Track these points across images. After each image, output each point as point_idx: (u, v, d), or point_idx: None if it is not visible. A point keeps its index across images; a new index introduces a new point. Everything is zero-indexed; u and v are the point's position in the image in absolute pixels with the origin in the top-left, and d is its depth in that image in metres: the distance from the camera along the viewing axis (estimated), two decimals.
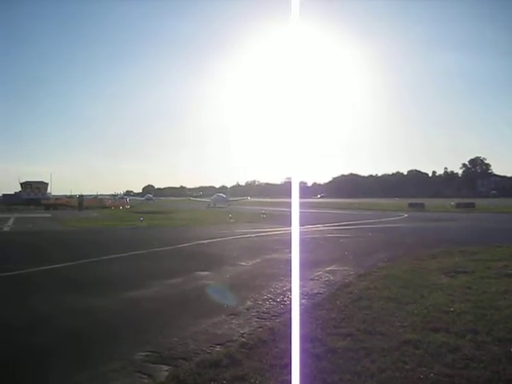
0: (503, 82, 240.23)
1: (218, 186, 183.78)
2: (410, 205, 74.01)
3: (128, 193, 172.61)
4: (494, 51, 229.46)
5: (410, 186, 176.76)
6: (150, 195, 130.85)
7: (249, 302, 10.75)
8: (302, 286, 11.70)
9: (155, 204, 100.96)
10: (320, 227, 30.96)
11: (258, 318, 9.57)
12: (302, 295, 10.92)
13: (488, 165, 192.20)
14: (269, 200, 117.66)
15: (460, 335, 7.77)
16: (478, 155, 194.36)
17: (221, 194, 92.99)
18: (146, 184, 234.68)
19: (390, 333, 8.06)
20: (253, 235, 27.20)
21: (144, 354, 7.54)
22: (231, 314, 9.77)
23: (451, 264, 15.23)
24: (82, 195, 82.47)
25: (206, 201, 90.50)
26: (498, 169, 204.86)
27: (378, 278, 13.08)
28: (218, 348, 7.78)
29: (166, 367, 7.02)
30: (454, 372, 6.38)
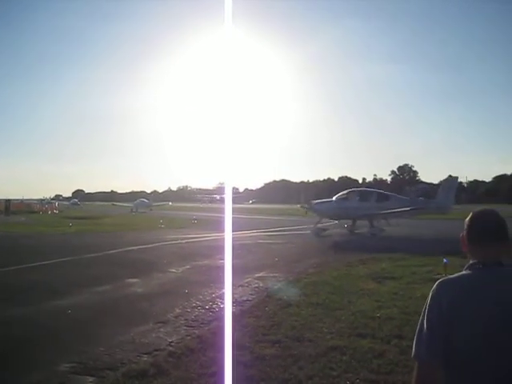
0: (430, 91, 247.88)
1: (149, 191, 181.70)
2: None
3: (57, 197, 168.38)
4: (424, 63, 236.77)
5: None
6: (76, 200, 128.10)
7: (177, 310, 10.62)
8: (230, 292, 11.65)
9: (81, 209, 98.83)
10: (251, 233, 30.96)
11: (186, 325, 9.47)
12: (231, 302, 10.87)
13: (416, 172, 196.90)
14: (200, 205, 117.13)
15: (385, 341, 7.91)
16: (406, 162, 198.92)
17: (143, 200, 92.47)
18: (76, 189, 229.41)
19: (318, 339, 8.13)
20: (183, 241, 26.95)
21: (69, 365, 7.29)
22: (159, 322, 9.62)
23: (379, 270, 15.54)
24: (8, 199, 79.85)
25: (129, 206, 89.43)
26: (425, 176, 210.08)
27: (308, 284, 13.18)
28: (145, 357, 7.63)
29: (91, 378, 6.83)
30: (379, 377, 6.48)
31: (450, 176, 44.82)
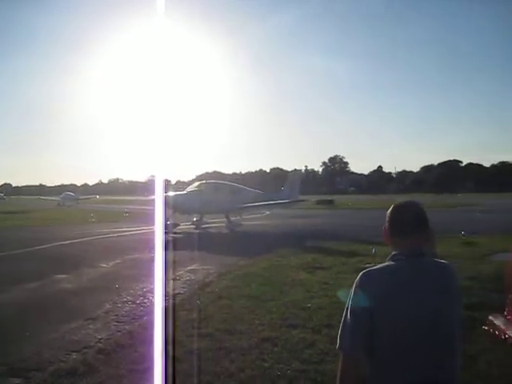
0: (363, 84, 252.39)
1: (79, 184, 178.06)
2: (323, 201, 75.13)
3: None
4: (358, 57, 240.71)
5: (273, 183, 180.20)
6: (1, 194, 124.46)
7: (108, 305, 10.46)
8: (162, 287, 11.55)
9: (5, 203, 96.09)
10: (182, 226, 30.68)
11: (116, 321, 9.33)
12: (163, 296, 10.78)
13: (346, 163, 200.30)
14: (132, 198, 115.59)
15: (316, 330, 8.03)
16: (337, 154, 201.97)
17: (70, 193, 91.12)
18: (3, 182, 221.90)
19: (250, 331, 8.18)
20: (115, 235, 26.56)
21: None
22: (89, 319, 9.44)
23: (310, 260, 15.75)
24: None
25: (55, 199, 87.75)
26: (355, 167, 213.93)
27: (239, 276, 13.24)
28: (74, 355, 7.46)
29: (17, 380, 6.60)
30: (310, 367, 6.57)
31: (295, 169, 46.02)
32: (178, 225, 29.76)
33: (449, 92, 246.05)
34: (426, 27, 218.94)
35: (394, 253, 2.77)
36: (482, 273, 12.52)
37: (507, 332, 7.96)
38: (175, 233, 27.19)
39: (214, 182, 35.51)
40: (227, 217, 31.90)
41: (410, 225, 2.77)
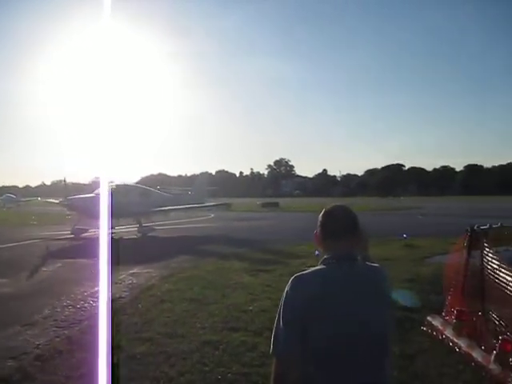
0: (309, 86, 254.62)
1: (21, 185, 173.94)
2: (217, 205, 75.06)
3: None
4: (304, 60, 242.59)
5: (218, 185, 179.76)
6: None
7: (47, 310, 10.20)
8: (103, 291, 11.36)
9: None
10: (125, 229, 30.28)
11: (55, 326, 9.11)
12: (104, 300, 10.59)
13: (292, 166, 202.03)
14: None
15: (258, 333, 8.04)
16: (283, 157, 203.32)
17: (10, 195, 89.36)
18: None
19: (191, 335, 8.13)
20: (56, 238, 26.04)
21: None
22: (27, 324, 9.19)
23: (253, 263, 15.76)
24: None
25: None
26: (300, 170, 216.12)
27: (182, 279, 13.15)
28: (10, 362, 7.24)
29: None
30: (251, 370, 6.56)
31: (202, 172, 46.38)
32: (87, 230, 28.12)
33: (393, 97, 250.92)
34: (373, 28, 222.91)
35: (325, 256, 2.78)
36: (422, 275, 12.79)
37: (445, 332, 8.14)
38: (79, 238, 26.36)
39: (124, 185, 33.21)
40: (138, 221, 30.54)
41: (340, 228, 2.79)
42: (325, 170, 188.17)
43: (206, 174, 43.78)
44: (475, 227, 9.56)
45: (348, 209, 2.90)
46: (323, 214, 2.86)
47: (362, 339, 2.60)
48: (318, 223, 2.86)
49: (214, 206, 40.45)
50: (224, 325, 8.61)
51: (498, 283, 8.29)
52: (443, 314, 9.01)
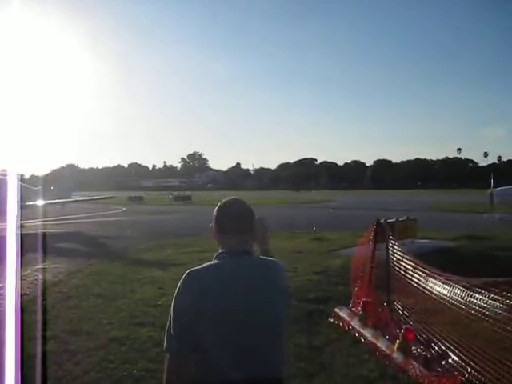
0: (225, 80, 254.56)
1: None
2: (130, 198, 74.39)
3: None
4: (223, 50, 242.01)
5: (132, 178, 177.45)
6: None
7: None
8: (3, 288, 10.91)
9: None
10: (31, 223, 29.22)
11: None
12: (2, 298, 10.17)
13: (205, 159, 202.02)
14: None
15: (165, 328, 7.90)
16: (197, 150, 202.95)
17: None
18: None
19: (97, 331, 7.92)
20: None
21: None
22: None
23: (164, 256, 15.61)
24: None
25: None
26: (214, 163, 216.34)
27: (90, 274, 12.82)
28: None
29: None
30: (157, 366, 6.43)
31: (68, 165, 46.34)
32: None
33: (306, 93, 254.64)
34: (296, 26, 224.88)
35: (220, 251, 2.75)
36: (331, 267, 13.00)
37: (351, 323, 8.31)
38: None
39: None
40: None
41: (234, 223, 2.75)
42: (238, 164, 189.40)
43: (73, 168, 42.72)
44: (381, 220, 9.81)
45: (242, 203, 2.86)
46: (217, 208, 2.82)
47: (255, 334, 2.58)
48: (213, 217, 2.82)
49: (99, 199, 39.88)
50: (131, 320, 8.44)
51: (403, 274, 8.55)
52: (350, 305, 9.21)
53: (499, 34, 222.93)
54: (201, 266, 2.70)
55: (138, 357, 6.79)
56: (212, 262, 2.72)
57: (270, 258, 2.89)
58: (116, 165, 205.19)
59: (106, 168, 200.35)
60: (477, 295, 6.44)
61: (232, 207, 2.82)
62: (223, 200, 2.87)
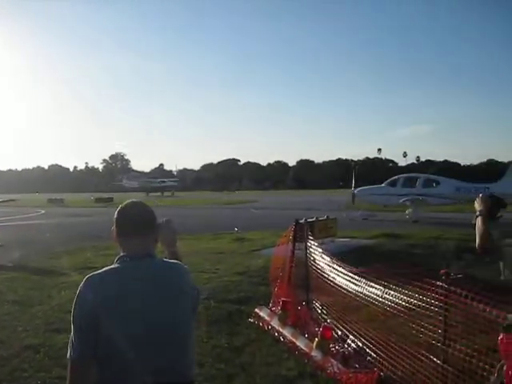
0: (145, 81, 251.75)
1: None
2: (50, 200, 72.46)
3: None
4: (143, 52, 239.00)
5: (52, 180, 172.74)
6: None
7: None
8: None
9: None
10: None
11: None
12: None
13: (128, 160, 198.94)
14: None
15: None
16: (119, 151, 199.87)
17: None
18: None
19: (11, 339, 7.69)
20: None
21: None
22: None
23: (83, 260, 15.28)
24: None
25: None
26: (137, 164, 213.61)
27: (5, 280, 12.36)
28: None
29: None
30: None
31: None
32: None
33: (226, 92, 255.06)
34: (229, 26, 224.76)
35: (121, 254, 2.71)
36: (252, 267, 13.05)
37: (271, 323, 8.37)
38: None
39: None
40: None
41: (133, 225, 2.72)
42: (161, 165, 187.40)
43: None
44: (300, 220, 9.93)
45: (143, 205, 2.85)
46: (118, 211, 2.78)
47: (158, 339, 2.55)
48: (114, 220, 2.77)
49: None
50: (47, 327, 8.21)
51: (321, 273, 8.68)
52: (270, 305, 9.27)
53: (419, 31, 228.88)
54: (100, 271, 2.65)
55: (52, 364, 6.62)
56: (112, 266, 2.67)
57: (174, 261, 2.88)
58: (36, 166, 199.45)
59: (25, 170, 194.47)
60: (392, 292, 6.60)
61: (132, 210, 2.79)
62: (124, 202, 2.83)
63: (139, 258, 2.65)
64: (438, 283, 5.54)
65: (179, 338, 2.63)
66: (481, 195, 4.05)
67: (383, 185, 30.74)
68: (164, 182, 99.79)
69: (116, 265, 2.66)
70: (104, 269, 2.65)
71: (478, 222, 3.81)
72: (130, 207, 2.80)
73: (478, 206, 3.94)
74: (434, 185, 29.69)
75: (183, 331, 2.66)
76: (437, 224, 22.47)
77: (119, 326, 2.48)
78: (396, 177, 31.38)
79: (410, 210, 27.66)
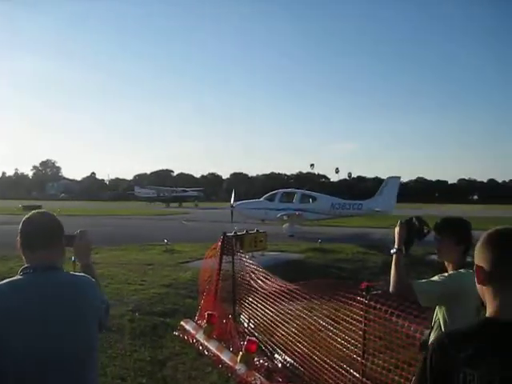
0: (77, 87, 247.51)
1: None
2: None
3: None
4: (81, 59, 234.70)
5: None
6: None
7: None
8: None
9: None
10: None
11: None
12: None
13: (59, 168, 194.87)
14: None
15: None
16: (50, 158, 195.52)
17: None
18: None
19: None
20: None
21: None
22: None
23: (6, 270, 14.69)
24: None
25: None
26: (68, 172, 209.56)
27: None
28: None
29: None
30: None
31: None
32: None
33: (159, 103, 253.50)
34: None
35: (24, 266, 2.61)
36: (179, 279, 12.93)
37: (196, 336, 8.29)
38: None
39: None
40: None
41: (38, 237, 2.63)
42: (93, 173, 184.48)
43: None
44: (229, 233, 9.92)
45: (50, 216, 2.76)
46: (22, 222, 2.69)
47: (56, 359, 2.45)
48: (18, 231, 2.67)
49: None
50: None
51: (249, 287, 8.67)
52: (196, 318, 9.19)
53: (340, 52, 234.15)
54: (0, 283, 2.54)
55: None
56: (14, 278, 2.56)
57: (80, 274, 2.78)
58: None
59: None
60: (317, 306, 6.67)
61: (38, 220, 2.70)
62: (29, 213, 2.75)
63: (43, 271, 2.55)
64: (358, 298, 5.62)
65: (82, 351, 2.54)
66: (399, 222, 3.75)
67: (261, 199, 30.95)
68: (186, 191, 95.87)
69: (18, 277, 2.56)
70: (5, 281, 2.54)
71: (393, 261, 3.59)
72: (36, 218, 2.71)
73: (396, 238, 3.69)
74: (311, 200, 30.18)
75: (86, 344, 2.58)
76: (311, 238, 22.80)
77: (11, 345, 2.37)
78: (274, 192, 31.59)
79: (286, 224, 27.94)
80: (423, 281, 3.58)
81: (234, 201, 29.73)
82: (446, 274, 3.59)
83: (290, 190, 35.21)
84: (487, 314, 1.89)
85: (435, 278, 3.55)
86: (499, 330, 1.79)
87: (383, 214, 28.28)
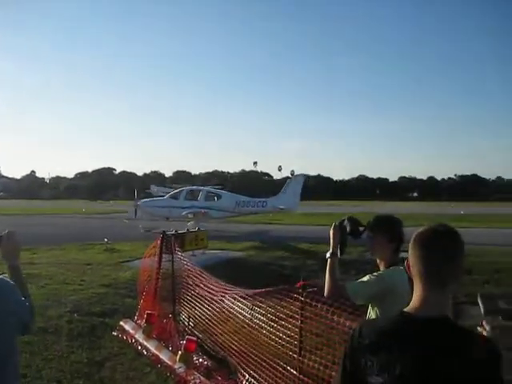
0: (29, 87, 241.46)
1: None
2: None
3: None
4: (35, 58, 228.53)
5: None
6: None
7: None
8: None
9: None
10: None
11: None
12: None
13: None
14: None
15: None
16: None
17: None
18: None
19: None
20: None
21: None
22: None
23: None
24: None
25: None
26: (6, 170, 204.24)
27: None
28: None
29: None
30: None
31: None
32: None
33: (101, 101, 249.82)
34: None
35: None
36: (119, 279, 12.80)
37: (135, 336, 8.22)
38: None
39: None
40: None
41: None
42: (33, 172, 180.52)
43: None
44: (169, 231, 9.88)
45: None
46: None
47: None
48: None
49: None
50: None
51: (188, 286, 8.66)
52: (135, 317, 9.12)
53: (290, 50, 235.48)
54: None
55: None
56: None
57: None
58: None
59: None
60: (257, 304, 6.71)
61: None
62: None
63: None
64: (294, 296, 5.69)
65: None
66: (333, 225, 3.81)
67: (166, 197, 30.96)
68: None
69: None
70: None
71: (327, 265, 3.67)
72: None
73: (330, 240, 3.76)
74: (216, 198, 30.32)
75: (4, 349, 2.53)
76: (220, 237, 23.13)
77: None
78: (178, 190, 31.73)
79: (191, 222, 27.93)
80: (356, 282, 3.67)
81: (139, 198, 29.73)
82: (376, 274, 3.69)
83: (194, 187, 34.87)
84: None
85: (366, 278, 3.64)
86: (403, 320, 1.94)
87: (287, 211, 29.11)
